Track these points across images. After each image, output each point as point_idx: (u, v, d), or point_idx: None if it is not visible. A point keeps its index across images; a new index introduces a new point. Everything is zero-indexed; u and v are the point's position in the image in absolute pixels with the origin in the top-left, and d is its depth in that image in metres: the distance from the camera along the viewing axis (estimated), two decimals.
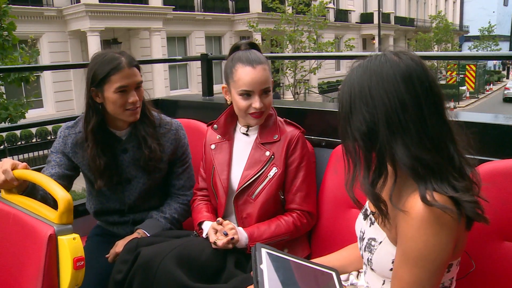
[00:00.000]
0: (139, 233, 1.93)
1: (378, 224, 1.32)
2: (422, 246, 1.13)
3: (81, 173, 2.07)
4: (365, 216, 1.41)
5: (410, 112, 1.16)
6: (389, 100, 1.16)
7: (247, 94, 1.81)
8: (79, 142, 1.95)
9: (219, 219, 1.81)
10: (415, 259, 1.15)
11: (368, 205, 1.43)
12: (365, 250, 1.34)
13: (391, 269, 1.25)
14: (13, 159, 1.60)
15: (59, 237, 1.33)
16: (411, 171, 1.16)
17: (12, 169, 1.52)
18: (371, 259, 1.31)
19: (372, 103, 1.18)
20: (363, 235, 1.38)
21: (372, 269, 1.33)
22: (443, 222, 1.12)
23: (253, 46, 1.92)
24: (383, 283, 1.32)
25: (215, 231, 1.75)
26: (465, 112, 2.51)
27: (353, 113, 1.21)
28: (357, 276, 1.55)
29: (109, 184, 1.96)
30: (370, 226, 1.36)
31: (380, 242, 1.28)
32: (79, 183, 2.12)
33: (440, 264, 1.16)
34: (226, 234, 1.71)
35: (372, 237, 1.32)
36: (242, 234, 1.77)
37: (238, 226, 1.84)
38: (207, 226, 1.83)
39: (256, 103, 1.81)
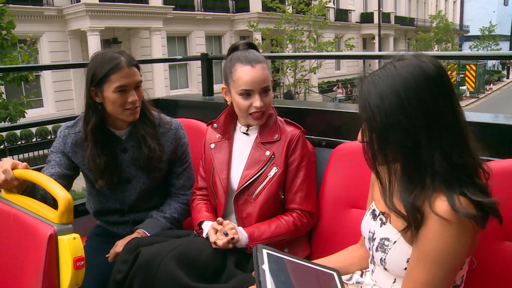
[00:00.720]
0: (139, 233, 1.93)
1: (390, 223, 1.31)
2: (442, 247, 1.13)
3: (81, 173, 2.07)
4: (374, 216, 1.40)
5: (447, 117, 1.14)
6: (427, 107, 1.13)
7: (247, 94, 1.80)
8: (78, 142, 1.95)
9: (219, 218, 1.80)
10: (434, 259, 1.15)
11: (375, 205, 1.42)
12: (377, 250, 1.33)
13: (405, 268, 1.25)
14: (13, 158, 1.60)
15: (59, 237, 1.32)
16: (448, 179, 1.15)
17: (12, 169, 1.52)
18: (384, 259, 1.30)
19: (413, 113, 1.13)
20: (373, 236, 1.37)
21: (385, 268, 1.33)
22: (465, 226, 1.12)
23: (251, 46, 1.92)
24: (394, 281, 1.32)
25: (215, 231, 1.75)
26: (466, 111, 2.49)
27: (392, 126, 1.15)
28: (362, 275, 1.55)
29: (109, 183, 1.96)
30: (381, 226, 1.35)
31: (395, 242, 1.28)
32: (79, 183, 2.12)
33: (457, 265, 1.17)
34: (226, 234, 1.71)
35: (385, 237, 1.31)
36: (242, 234, 1.77)
37: (238, 226, 1.84)
38: (207, 226, 1.83)
39: (256, 102, 1.80)
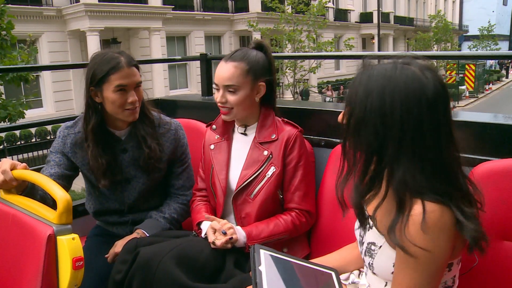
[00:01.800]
0: (138, 233, 1.93)
1: (376, 228, 1.31)
2: (420, 253, 1.12)
3: (80, 174, 2.07)
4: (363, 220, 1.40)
5: (427, 142, 1.12)
6: (408, 122, 1.11)
7: (216, 89, 1.87)
8: (78, 142, 1.95)
9: (210, 217, 1.82)
10: (413, 265, 1.14)
11: (365, 209, 1.42)
12: (365, 255, 1.33)
13: (392, 272, 1.24)
14: (12, 159, 1.60)
15: (58, 237, 1.33)
16: (404, 194, 1.14)
17: (11, 169, 1.52)
18: (372, 264, 1.30)
19: (389, 122, 1.12)
20: (362, 239, 1.37)
21: (374, 273, 1.32)
22: (440, 227, 1.11)
23: (258, 46, 1.92)
24: (385, 285, 1.32)
25: (214, 231, 1.75)
26: (465, 111, 2.51)
27: (366, 124, 1.15)
28: (358, 275, 1.55)
29: (112, 183, 1.96)
30: (368, 230, 1.35)
31: (380, 247, 1.27)
32: (79, 183, 2.12)
33: (439, 267, 1.16)
34: (224, 233, 1.71)
35: (372, 242, 1.31)
36: (240, 233, 1.77)
37: (237, 225, 1.84)
38: (206, 226, 1.83)
39: (218, 97, 1.85)
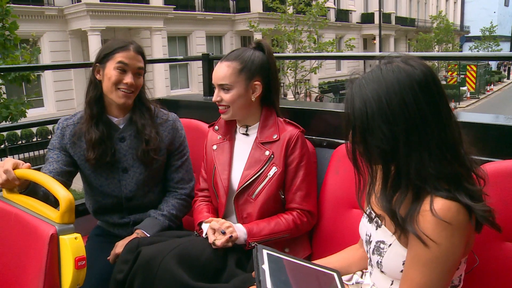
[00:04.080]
0: (138, 233, 1.93)
1: (385, 226, 1.32)
2: (435, 249, 1.13)
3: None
4: (370, 219, 1.40)
5: (430, 123, 1.14)
6: (409, 113, 1.13)
7: (214, 88, 1.93)
8: (77, 133, 1.97)
9: (211, 218, 1.84)
10: (427, 261, 1.15)
11: (372, 208, 1.43)
12: (373, 253, 1.34)
13: (401, 271, 1.25)
14: (13, 158, 1.61)
15: (60, 237, 1.33)
16: (431, 184, 1.15)
17: (14, 169, 1.53)
18: (381, 262, 1.30)
19: (392, 119, 1.14)
20: (369, 238, 1.38)
21: (382, 271, 1.33)
22: (456, 225, 1.12)
23: (258, 46, 1.94)
24: (392, 284, 1.32)
25: (213, 231, 1.76)
26: (466, 112, 2.49)
27: (372, 131, 1.17)
28: (362, 276, 1.55)
29: (100, 158, 1.95)
30: (376, 229, 1.36)
31: (390, 245, 1.28)
32: (80, 183, 2.12)
33: (452, 266, 1.17)
34: (224, 233, 1.72)
35: (381, 240, 1.31)
36: (240, 230, 1.77)
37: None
38: (207, 227, 1.83)
39: (215, 95, 1.90)
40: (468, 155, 1.22)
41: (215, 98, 1.91)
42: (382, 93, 1.15)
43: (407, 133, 1.14)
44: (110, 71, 1.90)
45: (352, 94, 1.21)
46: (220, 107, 1.92)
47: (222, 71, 1.87)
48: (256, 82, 1.88)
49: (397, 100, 1.13)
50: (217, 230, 1.74)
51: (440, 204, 1.13)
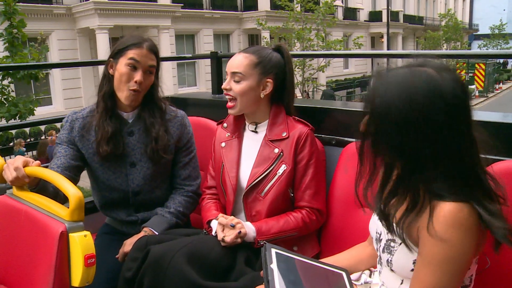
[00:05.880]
0: (146, 231, 1.93)
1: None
2: (447, 250, 1.12)
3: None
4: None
5: (448, 143, 1.12)
6: (428, 129, 1.11)
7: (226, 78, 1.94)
8: (86, 126, 1.98)
9: (220, 214, 1.83)
10: (439, 262, 1.14)
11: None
12: (383, 252, 1.33)
13: (412, 270, 1.24)
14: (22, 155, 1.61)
15: (70, 234, 1.33)
16: (423, 196, 1.17)
17: (24, 166, 1.53)
18: (391, 260, 1.30)
19: (411, 129, 1.12)
20: (380, 236, 1.37)
21: (392, 270, 1.32)
22: (468, 227, 1.12)
23: (277, 49, 1.96)
24: (401, 283, 1.31)
25: (222, 228, 1.75)
26: (476, 111, 2.45)
27: (388, 134, 1.17)
28: (370, 275, 1.54)
29: (113, 152, 1.95)
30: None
31: (400, 243, 1.27)
32: (88, 180, 2.12)
33: (463, 267, 1.16)
34: (233, 226, 1.71)
35: (391, 238, 1.31)
36: (249, 228, 1.77)
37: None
38: (216, 224, 1.83)
39: (225, 83, 1.91)
40: (486, 173, 1.21)
41: (224, 85, 1.91)
42: (405, 102, 1.13)
43: (422, 145, 1.13)
44: (122, 66, 1.91)
45: (376, 91, 1.19)
46: (227, 97, 1.91)
47: (238, 59, 1.88)
48: (268, 80, 1.88)
49: (419, 113, 1.11)
50: (226, 225, 1.74)
51: (451, 206, 1.12)
